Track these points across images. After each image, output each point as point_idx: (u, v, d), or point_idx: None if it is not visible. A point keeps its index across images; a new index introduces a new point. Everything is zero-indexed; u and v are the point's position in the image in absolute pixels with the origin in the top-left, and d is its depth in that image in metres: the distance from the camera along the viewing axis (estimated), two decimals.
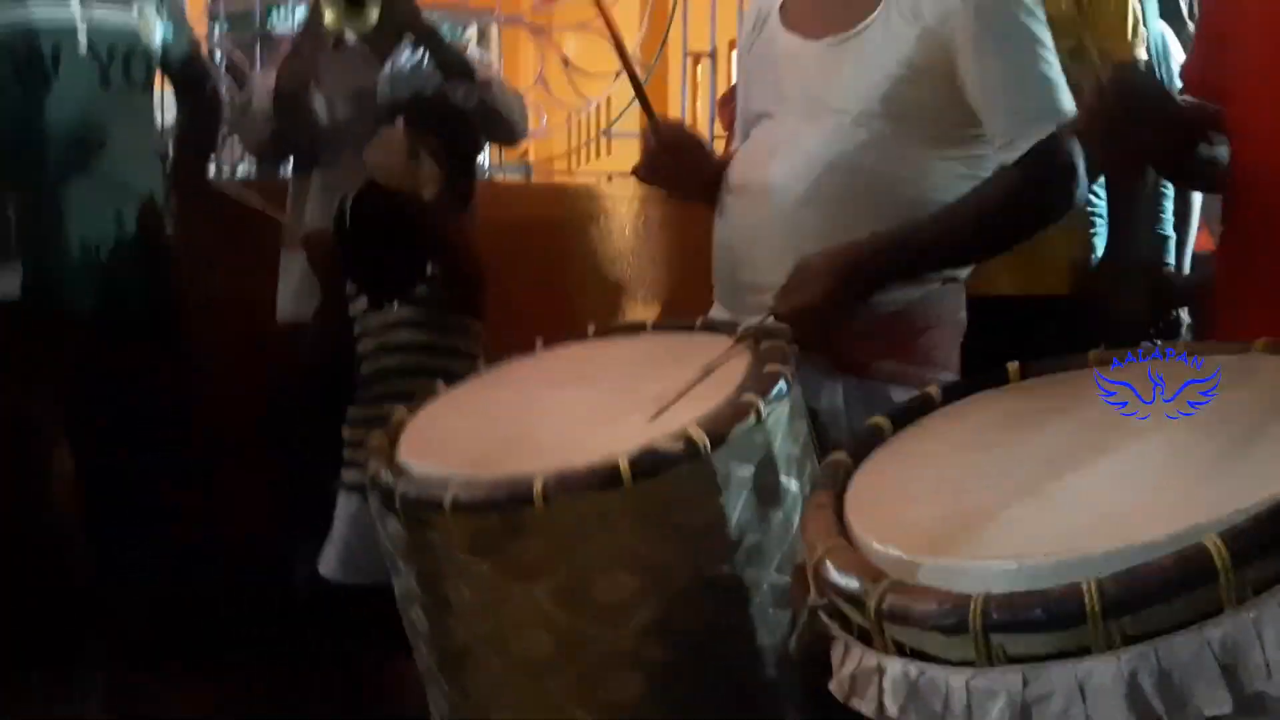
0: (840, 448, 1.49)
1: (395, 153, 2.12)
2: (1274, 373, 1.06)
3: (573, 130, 4.21)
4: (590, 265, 3.38)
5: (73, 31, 2.31)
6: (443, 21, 3.32)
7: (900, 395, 1.56)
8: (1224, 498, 0.85)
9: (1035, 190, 1.52)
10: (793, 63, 1.65)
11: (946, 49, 1.53)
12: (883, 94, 1.54)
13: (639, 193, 3.50)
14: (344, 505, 2.17)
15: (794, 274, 1.48)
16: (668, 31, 3.89)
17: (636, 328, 1.68)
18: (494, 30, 4.67)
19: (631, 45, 3.81)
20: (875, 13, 1.57)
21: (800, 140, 1.59)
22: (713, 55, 4.10)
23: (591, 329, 1.71)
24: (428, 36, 2.52)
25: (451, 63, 2.51)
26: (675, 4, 3.66)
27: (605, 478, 1.21)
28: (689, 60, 4.09)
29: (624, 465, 1.20)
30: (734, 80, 5.08)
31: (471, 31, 4.50)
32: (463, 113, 2.37)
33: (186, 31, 2.64)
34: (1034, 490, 0.98)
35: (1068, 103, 1.53)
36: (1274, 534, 0.81)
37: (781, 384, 1.33)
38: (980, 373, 1.27)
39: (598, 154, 5.97)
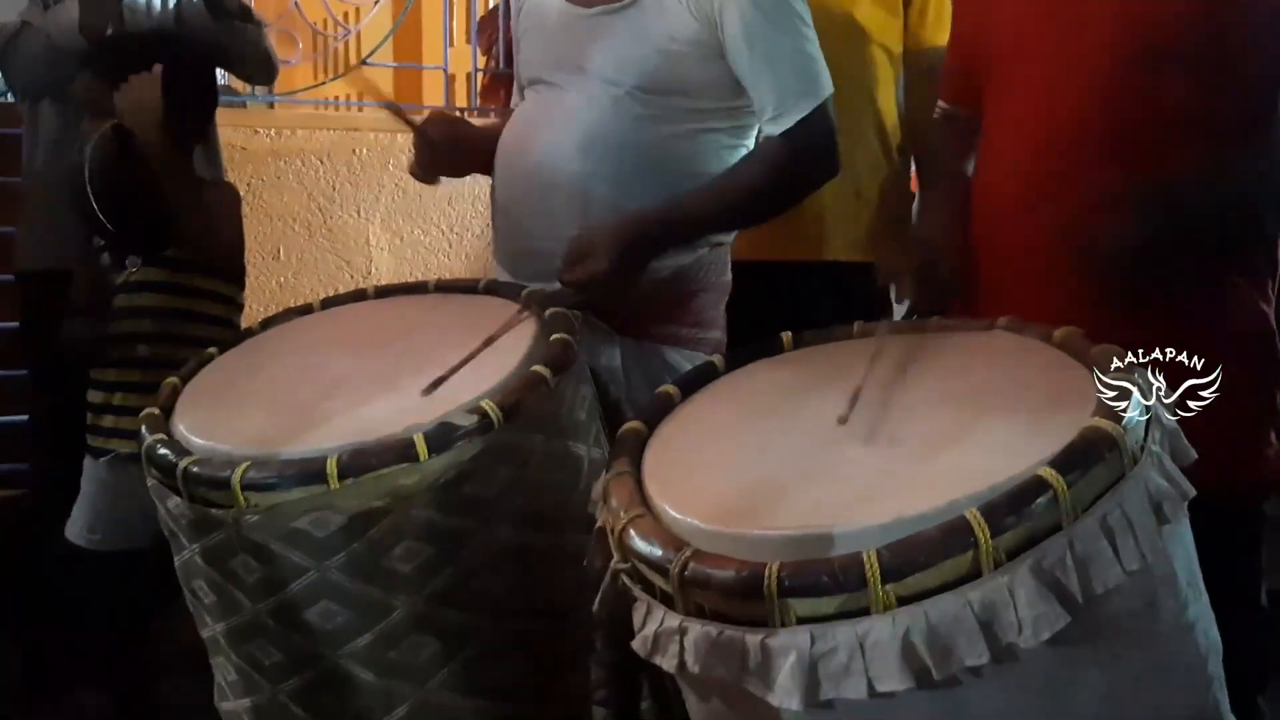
0: (620, 406, 1.58)
1: (151, 99, 1.92)
2: (1016, 351, 1.19)
3: (319, 63, 3.98)
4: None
5: None
6: None
7: (674, 355, 1.65)
8: (981, 473, 0.95)
9: (800, 160, 1.60)
10: (564, 31, 1.65)
11: (714, 25, 1.57)
12: (653, 67, 1.57)
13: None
14: (91, 471, 2.05)
15: (577, 245, 1.51)
16: None
17: (419, 287, 1.67)
18: None
19: None
20: None
21: (574, 112, 1.61)
22: None
23: (373, 289, 1.69)
24: None
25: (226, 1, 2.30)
26: None
27: (400, 453, 1.21)
28: None
29: (419, 441, 1.21)
30: (493, 3, 5.02)
31: None
32: (224, 54, 2.21)
33: None
34: (815, 462, 1.07)
35: (827, 81, 1.61)
36: (1023, 507, 0.92)
37: (569, 353, 1.37)
38: (756, 342, 1.35)
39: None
